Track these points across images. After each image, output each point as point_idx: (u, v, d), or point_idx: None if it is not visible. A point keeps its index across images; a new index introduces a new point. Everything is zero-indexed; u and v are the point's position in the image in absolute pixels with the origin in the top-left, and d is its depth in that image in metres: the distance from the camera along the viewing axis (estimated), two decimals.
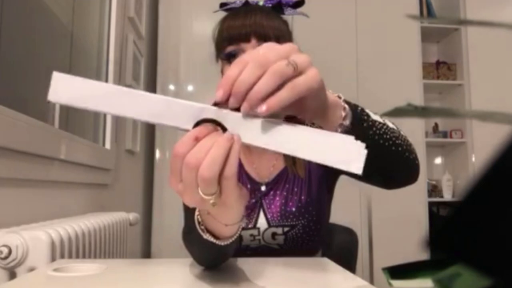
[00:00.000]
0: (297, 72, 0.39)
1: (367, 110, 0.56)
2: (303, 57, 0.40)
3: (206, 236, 0.49)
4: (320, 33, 2.40)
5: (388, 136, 0.58)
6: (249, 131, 0.39)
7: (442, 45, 3.06)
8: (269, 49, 0.40)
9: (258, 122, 0.40)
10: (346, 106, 0.51)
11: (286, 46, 0.41)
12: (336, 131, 0.49)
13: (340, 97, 0.51)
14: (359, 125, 0.53)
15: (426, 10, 2.87)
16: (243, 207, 0.44)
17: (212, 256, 0.58)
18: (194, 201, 0.40)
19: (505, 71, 2.68)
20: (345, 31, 2.44)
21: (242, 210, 0.46)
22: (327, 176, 0.89)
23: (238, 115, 0.40)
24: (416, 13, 2.56)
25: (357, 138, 0.52)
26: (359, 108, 0.55)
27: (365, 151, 0.38)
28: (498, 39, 2.67)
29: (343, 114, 0.50)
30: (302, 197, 0.85)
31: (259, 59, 0.39)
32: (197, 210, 0.51)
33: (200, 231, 0.50)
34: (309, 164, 0.88)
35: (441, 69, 2.87)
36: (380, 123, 0.57)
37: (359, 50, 2.43)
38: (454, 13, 2.83)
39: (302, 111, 0.46)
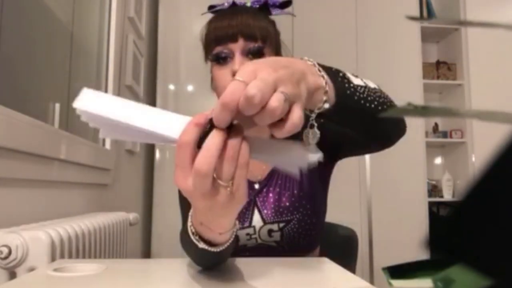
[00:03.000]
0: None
1: (347, 75, 0.56)
2: (290, 85, 0.40)
3: (201, 245, 0.50)
4: (320, 33, 2.40)
5: (371, 98, 0.58)
6: None
7: (442, 45, 3.06)
8: (263, 83, 0.38)
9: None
10: (327, 81, 0.49)
11: (273, 76, 0.39)
12: (319, 108, 0.49)
13: (315, 65, 0.49)
14: (342, 95, 0.53)
15: (426, 10, 2.87)
16: (239, 209, 0.44)
17: (209, 261, 0.58)
18: (206, 194, 0.39)
19: (505, 71, 2.68)
20: (345, 31, 2.44)
21: (235, 215, 0.46)
22: (319, 168, 0.90)
23: None
24: (416, 13, 2.56)
25: (341, 106, 0.52)
26: (340, 75, 0.55)
27: (308, 156, 0.43)
28: (498, 39, 2.67)
29: (325, 94, 0.49)
30: (295, 191, 0.86)
31: (255, 100, 0.37)
32: (189, 221, 0.51)
33: (195, 241, 0.50)
34: None
35: (441, 69, 2.87)
36: (361, 86, 0.58)
37: (359, 50, 2.43)
38: (454, 13, 2.83)
39: None
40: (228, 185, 0.39)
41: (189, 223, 0.51)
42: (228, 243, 0.51)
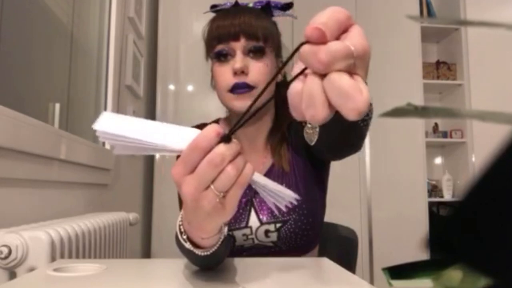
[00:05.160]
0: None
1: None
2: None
3: (187, 245, 0.50)
4: None
5: (368, 116, 0.59)
6: None
7: (442, 45, 3.07)
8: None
9: None
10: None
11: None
12: None
13: None
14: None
15: (426, 10, 2.88)
16: (224, 221, 0.45)
17: (199, 263, 0.58)
18: (197, 195, 0.40)
19: (505, 71, 2.68)
20: None
21: (219, 224, 0.46)
22: (312, 170, 0.90)
23: None
24: (416, 13, 2.56)
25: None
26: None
27: (290, 200, 0.50)
28: (498, 39, 2.67)
29: None
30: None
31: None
32: (179, 219, 0.52)
33: (182, 240, 0.51)
34: (292, 160, 0.89)
35: (441, 69, 2.87)
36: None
37: None
38: (454, 13, 2.83)
39: None
40: (219, 195, 0.40)
41: (179, 221, 0.52)
42: (213, 249, 0.51)
